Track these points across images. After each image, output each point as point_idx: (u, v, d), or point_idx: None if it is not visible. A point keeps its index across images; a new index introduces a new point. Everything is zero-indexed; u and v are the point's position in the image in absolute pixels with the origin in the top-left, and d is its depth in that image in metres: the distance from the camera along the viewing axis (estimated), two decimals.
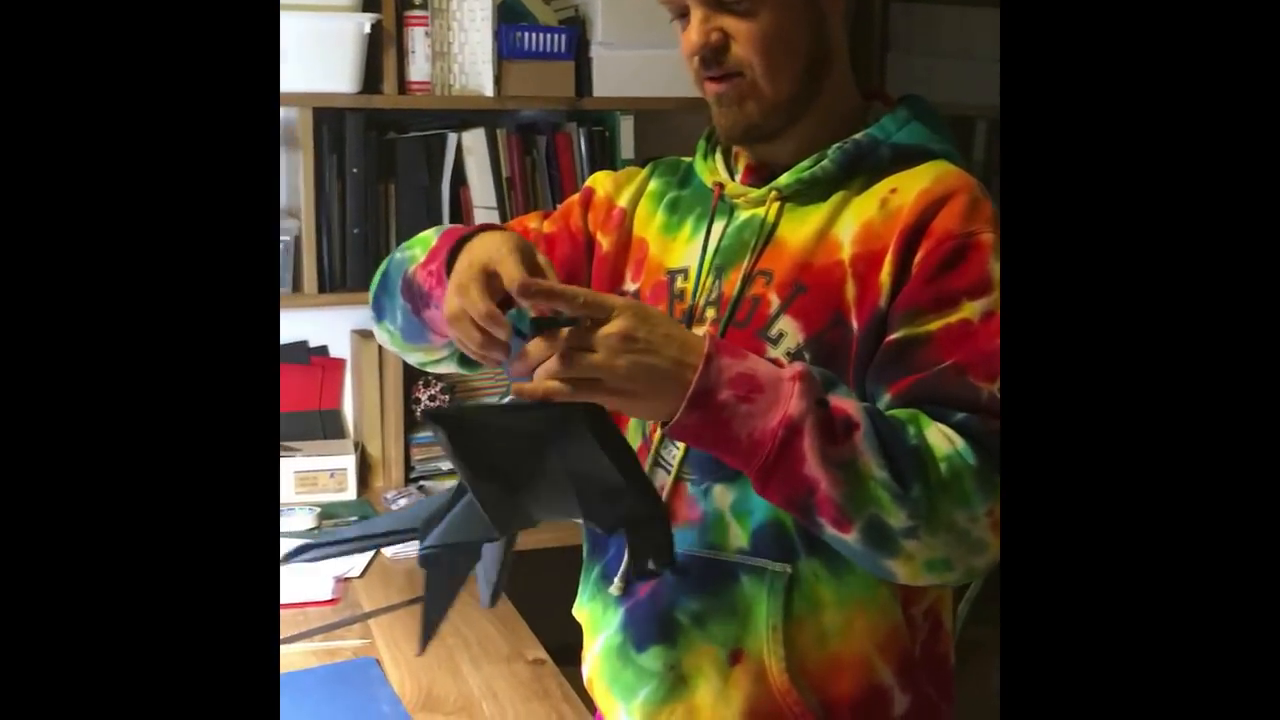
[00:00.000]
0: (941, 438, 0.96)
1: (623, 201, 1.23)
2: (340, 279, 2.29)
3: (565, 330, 0.92)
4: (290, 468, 2.24)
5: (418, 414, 2.33)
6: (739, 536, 1.09)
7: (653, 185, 1.23)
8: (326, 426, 2.44)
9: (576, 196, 1.27)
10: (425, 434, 2.34)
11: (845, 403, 0.96)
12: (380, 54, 2.25)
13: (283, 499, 2.21)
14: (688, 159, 1.23)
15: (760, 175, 1.14)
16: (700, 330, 1.09)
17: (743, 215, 1.13)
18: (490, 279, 1.00)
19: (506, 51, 2.32)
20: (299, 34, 2.14)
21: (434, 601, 1.04)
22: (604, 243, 1.22)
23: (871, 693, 1.09)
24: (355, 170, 2.27)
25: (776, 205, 1.11)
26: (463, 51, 2.32)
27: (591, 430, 0.92)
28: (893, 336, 1.02)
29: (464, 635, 1.62)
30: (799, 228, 1.09)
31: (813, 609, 1.08)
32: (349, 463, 2.27)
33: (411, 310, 1.18)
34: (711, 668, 1.10)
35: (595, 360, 0.92)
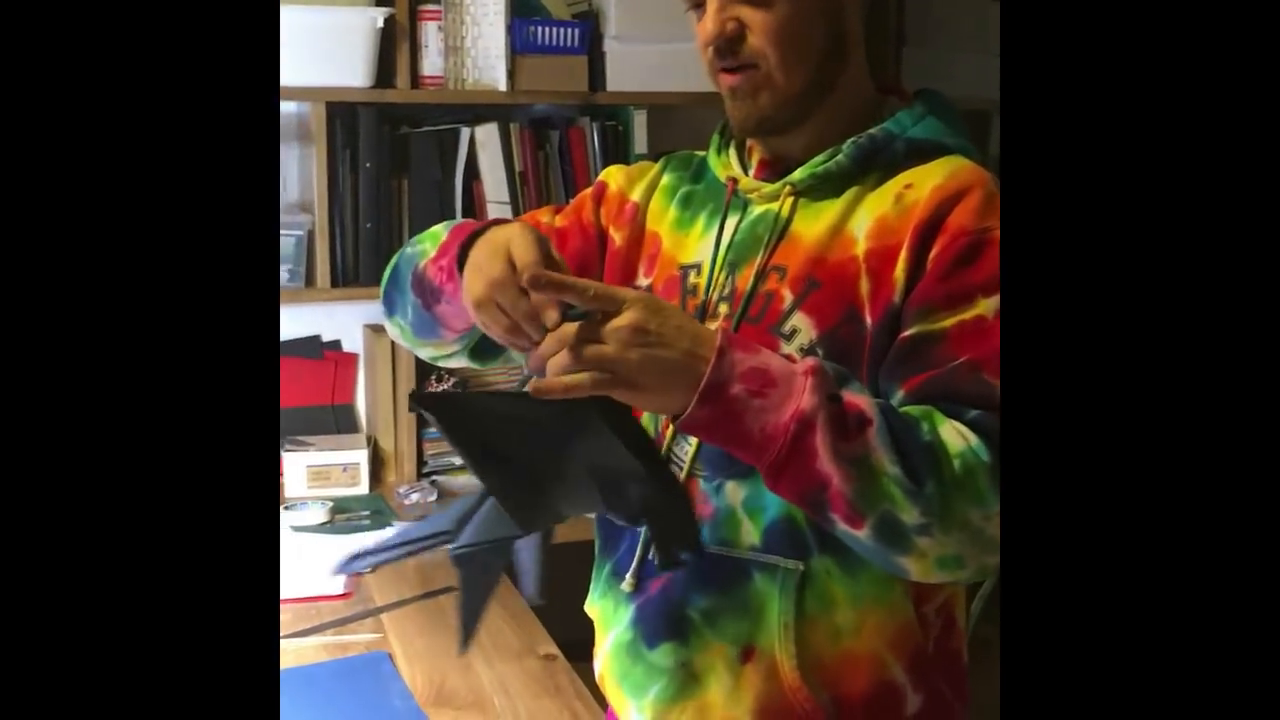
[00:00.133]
0: (955, 434, 0.95)
1: (636, 196, 1.22)
2: (353, 274, 2.29)
3: (576, 324, 0.91)
4: (302, 462, 2.24)
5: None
6: (751, 533, 1.08)
7: (666, 180, 1.23)
8: (339, 421, 2.44)
9: (589, 191, 1.27)
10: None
11: (858, 398, 0.95)
12: (393, 48, 2.25)
13: (295, 493, 2.21)
14: (701, 153, 1.23)
15: (774, 170, 1.14)
16: (713, 326, 1.09)
17: (756, 210, 1.13)
18: (512, 265, 0.99)
19: (520, 46, 2.31)
20: (312, 28, 2.14)
21: (469, 600, 1.04)
22: (617, 237, 1.22)
23: (884, 691, 1.09)
24: (368, 165, 2.27)
25: (790, 200, 1.10)
26: (476, 46, 2.32)
27: (605, 420, 0.91)
28: (907, 333, 1.01)
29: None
30: (813, 223, 1.09)
31: (825, 606, 1.07)
32: (361, 457, 2.27)
33: (422, 305, 1.18)
34: (723, 665, 1.10)
35: (606, 353, 0.91)
